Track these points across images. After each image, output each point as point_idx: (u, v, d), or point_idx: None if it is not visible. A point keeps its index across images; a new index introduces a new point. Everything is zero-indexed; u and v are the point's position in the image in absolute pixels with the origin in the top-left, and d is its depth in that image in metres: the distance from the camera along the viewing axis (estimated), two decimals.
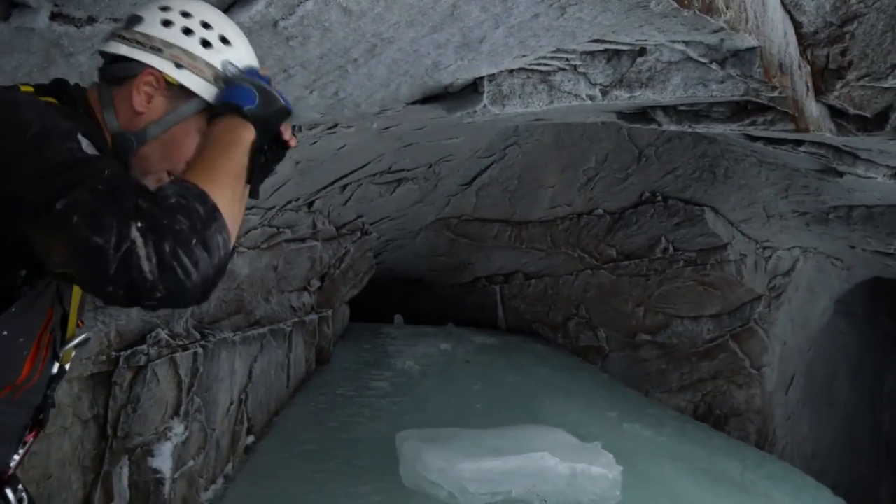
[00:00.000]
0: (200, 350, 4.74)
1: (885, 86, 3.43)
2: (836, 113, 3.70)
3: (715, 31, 2.96)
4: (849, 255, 7.37)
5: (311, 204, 6.08)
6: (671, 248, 7.61)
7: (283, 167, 4.91)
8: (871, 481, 9.70)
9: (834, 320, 8.64)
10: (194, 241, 1.24)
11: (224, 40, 1.66)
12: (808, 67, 3.50)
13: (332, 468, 5.09)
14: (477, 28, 2.58)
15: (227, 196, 1.35)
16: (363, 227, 7.04)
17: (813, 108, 3.52)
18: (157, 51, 1.58)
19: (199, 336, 4.82)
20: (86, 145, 1.32)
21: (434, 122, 4.49)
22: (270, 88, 1.58)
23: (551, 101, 3.32)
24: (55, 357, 1.63)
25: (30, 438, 1.65)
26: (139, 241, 1.19)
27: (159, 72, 1.58)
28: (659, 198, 7.41)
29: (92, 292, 1.27)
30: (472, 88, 3.34)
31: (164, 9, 1.65)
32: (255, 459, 5.24)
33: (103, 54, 1.65)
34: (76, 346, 1.73)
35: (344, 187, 6.30)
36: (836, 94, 3.48)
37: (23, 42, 2.08)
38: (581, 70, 3.28)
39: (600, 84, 3.31)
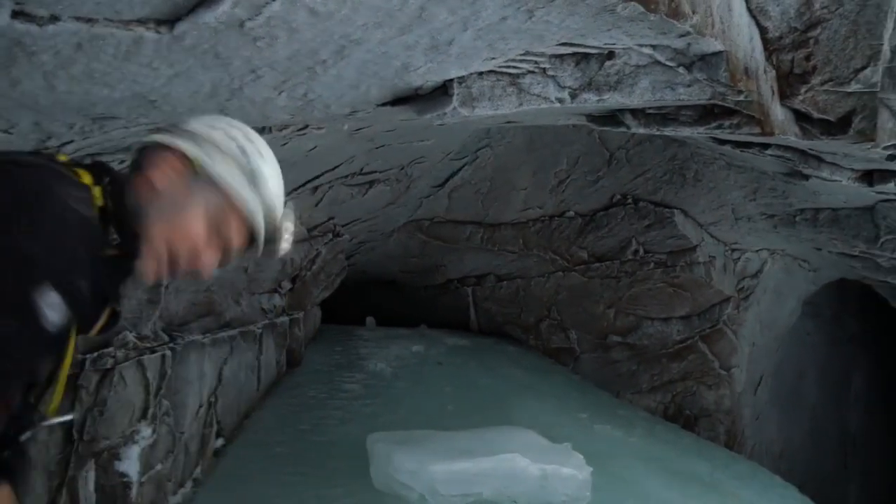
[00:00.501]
0: (169, 352, 4.70)
1: (848, 90, 3.49)
2: (800, 117, 3.76)
3: (682, 36, 2.99)
4: (815, 256, 7.47)
5: None
6: (642, 250, 7.67)
7: None
8: (839, 481, 9.84)
9: (801, 321, 8.76)
10: None
11: (261, 154, 1.71)
12: (774, 72, 3.55)
13: (304, 471, 5.06)
14: (445, 30, 2.59)
15: None
16: (335, 228, 7.02)
17: (778, 112, 3.57)
18: (196, 142, 1.65)
19: (167, 338, 4.77)
20: (49, 300, 1.35)
21: (406, 123, 4.49)
22: None
23: (520, 104, 3.34)
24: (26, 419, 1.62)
25: None
26: None
27: (188, 157, 1.64)
28: (630, 200, 7.47)
29: None
30: (442, 91, 3.35)
31: (213, 117, 1.76)
32: (225, 463, 5.20)
33: (142, 145, 1.71)
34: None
35: (315, 189, 6.28)
36: (800, 98, 3.54)
37: None
38: (550, 73, 3.30)
39: (569, 87, 3.34)
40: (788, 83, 3.51)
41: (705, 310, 7.70)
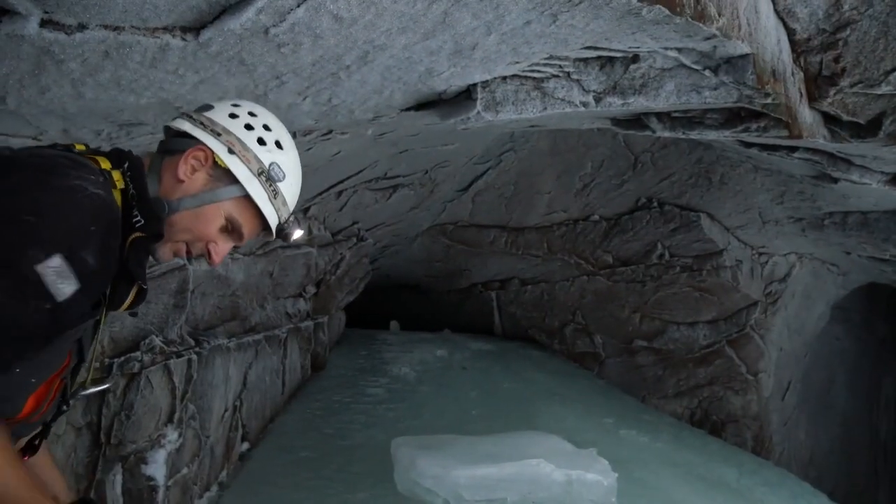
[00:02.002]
0: (195, 357, 4.73)
1: (879, 92, 3.44)
2: (829, 119, 3.71)
3: (707, 39, 2.96)
4: (845, 260, 7.37)
5: (306, 210, 6.08)
6: (667, 254, 7.61)
7: None
8: (869, 487, 9.69)
9: (830, 326, 8.63)
10: None
11: (278, 144, 1.81)
12: (802, 74, 3.51)
13: (328, 475, 5.07)
14: (469, 35, 2.58)
15: None
16: (359, 233, 7.04)
17: (806, 115, 3.53)
18: (216, 134, 1.74)
19: (193, 343, 4.81)
20: (53, 265, 1.40)
21: (429, 128, 4.49)
22: None
23: (545, 108, 3.32)
24: (63, 401, 1.70)
25: (25, 459, 1.70)
26: None
27: (211, 151, 1.72)
28: (655, 204, 7.41)
29: None
30: (466, 95, 3.34)
31: (235, 105, 1.82)
32: (250, 466, 5.22)
33: (167, 129, 1.82)
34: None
35: (339, 193, 6.30)
36: (829, 100, 3.49)
37: (13, 49, 2.08)
38: (574, 77, 3.28)
39: (594, 91, 3.32)
40: (817, 85, 3.47)
41: (732, 314, 7.62)
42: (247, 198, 1.76)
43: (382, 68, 2.83)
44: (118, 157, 1.71)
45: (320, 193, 5.94)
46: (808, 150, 4.37)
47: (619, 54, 3.21)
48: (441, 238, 8.02)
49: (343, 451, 5.39)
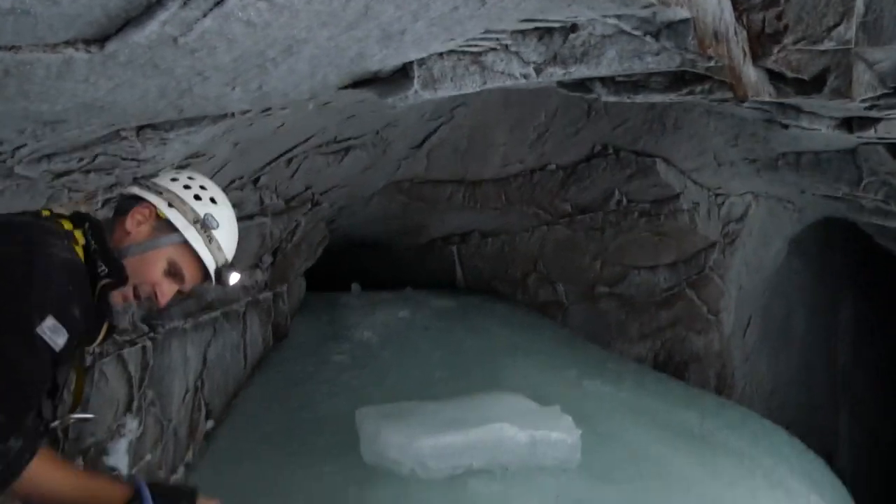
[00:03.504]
0: (149, 343, 4.66)
1: (822, 48, 3.38)
2: (774, 76, 3.65)
3: (645, 7, 2.88)
4: (800, 198, 7.41)
5: (256, 181, 5.93)
6: (625, 200, 7.60)
7: (222, 148, 4.78)
8: (830, 411, 9.97)
9: (788, 260, 8.74)
10: None
11: (213, 200, 2.17)
12: (745, 32, 3.44)
13: (294, 449, 5.08)
14: (395, 23, 2.48)
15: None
16: (313, 197, 6.91)
17: (751, 74, 3.47)
18: (158, 192, 2.09)
19: (146, 329, 4.73)
20: (48, 326, 1.72)
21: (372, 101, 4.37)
22: None
23: (484, 82, 3.23)
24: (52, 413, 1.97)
25: None
26: None
27: (154, 206, 2.06)
28: (610, 150, 7.37)
29: None
30: (403, 73, 3.24)
31: (177, 171, 2.26)
32: (216, 445, 5.22)
33: (120, 195, 2.22)
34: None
35: (290, 160, 6.15)
36: (773, 58, 3.43)
37: None
38: (513, 49, 3.18)
39: (534, 62, 3.23)
40: (760, 43, 3.40)
41: (691, 256, 7.67)
42: (185, 244, 2.06)
43: (309, 57, 2.71)
44: (79, 218, 2.02)
45: (269, 163, 5.79)
46: (756, 100, 4.33)
47: (557, 24, 3.11)
48: (398, 196, 7.91)
49: (308, 423, 5.40)
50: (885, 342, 10.49)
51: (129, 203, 2.10)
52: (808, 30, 3.31)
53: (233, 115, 4.11)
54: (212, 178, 5.19)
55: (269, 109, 4.20)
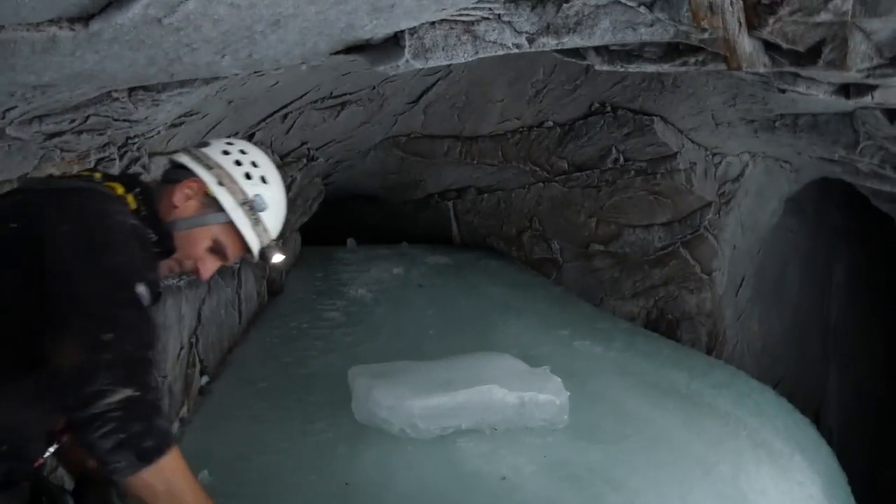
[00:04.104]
0: None
1: (817, 20, 3.34)
2: (769, 46, 3.62)
3: None
4: (797, 159, 7.39)
5: (251, 137, 5.90)
6: (622, 159, 7.58)
7: (216, 107, 4.76)
8: (820, 369, 10.08)
9: (784, 219, 8.74)
10: (134, 444, 1.62)
11: (263, 179, 2.12)
12: (741, 3, 3.39)
13: (287, 405, 5.15)
14: None
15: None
16: (309, 153, 6.89)
17: (746, 44, 3.43)
18: (208, 167, 2.06)
19: None
20: (141, 291, 1.77)
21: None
22: None
23: (476, 52, 3.21)
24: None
25: (64, 438, 1.95)
26: (116, 416, 1.58)
27: (203, 182, 2.04)
28: (608, 108, 7.32)
29: (60, 392, 1.63)
30: (394, 41, 3.21)
31: (229, 143, 2.17)
32: (211, 400, 5.28)
33: (170, 161, 2.17)
34: None
35: (285, 116, 6.12)
36: (768, 29, 3.39)
37: None
38: (506, 19, 3.15)
39: (526, 32, 3.19)
40: (756, 14, 3.35)
41: (686, 216, 7.67)
42: (231, 224, 2.05)
43: (299, 29, 2.69)
44: (130, 182, 2.02)
45: (264, 119, 5.76)
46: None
47: None
48: (394, 150, 7.88)
49: (301, 379, 5.46)
50: (877, 301, 10.56)
51: (177, 173, 2.09)
52: (805, 1, 3.26)
53: (225, 77, 4.09)
54: (206, 135, 5.22)
55: (260, 72, 4.18)
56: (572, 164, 7.83)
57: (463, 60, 3.22)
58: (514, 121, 7.70)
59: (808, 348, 9.74)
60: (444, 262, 7.68)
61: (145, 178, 2.26)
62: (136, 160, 4.29)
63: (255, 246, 2.11)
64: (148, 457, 1.64)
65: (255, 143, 6.02)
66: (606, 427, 5.00)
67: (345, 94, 6.42)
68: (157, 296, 1.89)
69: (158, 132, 4.25)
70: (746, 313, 8.53)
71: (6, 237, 1.77)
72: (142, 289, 1.77)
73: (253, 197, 2.07)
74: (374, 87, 6.64)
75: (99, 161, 4.10)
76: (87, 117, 3.61)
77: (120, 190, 1.97)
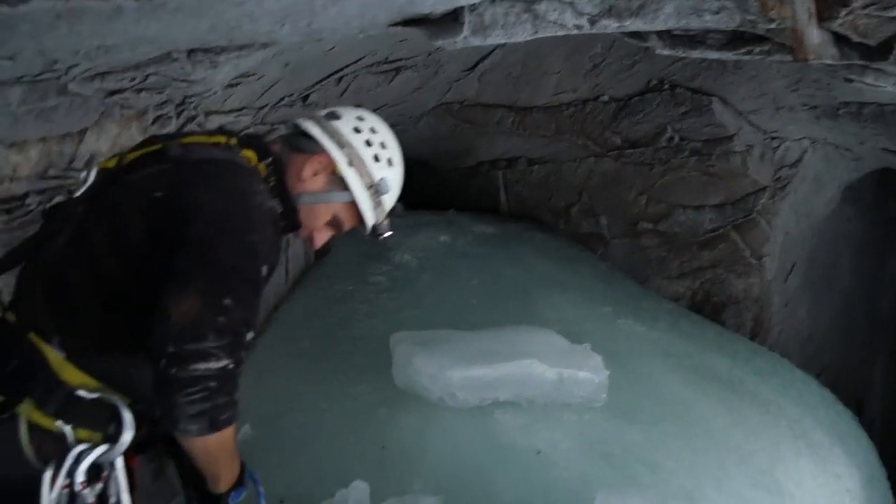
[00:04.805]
0: None
1: (892, 15, 3.23)
2: (839, 38, 3.51)
3: None
4: (859, 148, 7.18)
5: (305, 98, 5.94)
6: (677, 138, 7.45)
7: (272, 69, 4.81)
8: (866, 360, 9.89)
9: (841, 207, 8.53)
10: (215, 415, 1.74)
11: (390, 161, 2.18)
12: None
13: (330, 367, 5.24)
14: None
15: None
16: None
17: (814, 36, 3.33)
18: (340, 145, 2.09)
19: None
20: (263, 272, 1.88)
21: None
22: None
23: (535, 31, 3.18)
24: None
25: None
26: (215, 373, 1.71)
27: (333, 160, 2.08)
28: (666, 86, 7.18)
29: (162, 340, 1.69)
30: (454, 17, 3.20)
31: (360, 119, 2.19)
32: (255, 356, 5.39)
33: (295, 126, 2.18)
34: None
35: (339, 80, 6.14)
36: (839, 21, 3.28)
37: None
38: None
39: (588, 13, 3.15)
40: (827, 5, 3.26)
41: (739, 199, 7.53)
42: (354, 203, 2.12)
43: (359, 2, 2.70)
44: (263, 151, 2.07)
45: (319, 82, 5.79)
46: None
47: None
48: (447, 117, 7.86)
49: (345, 341, 5.54)
50: None
51: (305, 143, 2.13)
52: None
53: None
54: (262, 95, 5.27)
55: (320, 39, 4.20)
56: (626, 140, 7.73)
57: (522, 39, 3.19)
58: (569, 93, 7.61)
59: (854, 339, 9.55)
60: (491, 232, 7.67)
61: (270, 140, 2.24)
62: (192, 118, 4.37)
63: (371, 224, 2.18)
64: (219, 427, 1.76)
65: (309, 105, 6.08)
66: (645, 408, 5.00)
67: (400, 60, 6.41)
68: (270, 276, 2.00)
69: (215, 92, 4.31)
70: (794, 300, 8.39)
71: (152, 205, 1.86)
72: (264, 270, 1.88)
73: (379, 181, 2.12)
74: (429, 54, 6.61)
75: (157, 118, 4.18)
76: (147, 76, 3.68)
77: (253, 159, 2.04)
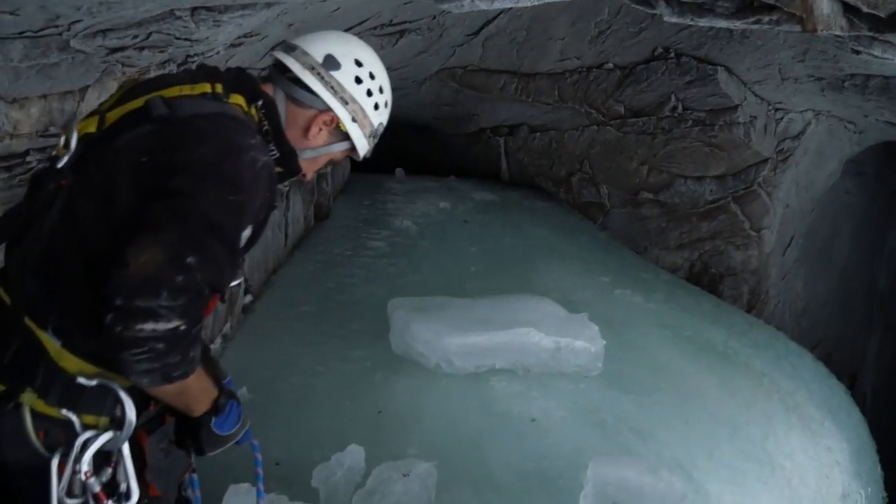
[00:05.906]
0: None
1: None
2: (848, 8, 3.47)
3: None
4: (862, 121, 7.15)
5: None
6: (680, 107, 7.40)
7: (276, 29, 4.76)
8: (861, 334, 9.94)
9: (842, 180, 8.51)
10: (166, 372, 1.66)
11: (385, 104, 2.20)
12: None
13: (327, 331, 5.26)
14: None
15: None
16: None
17: (824, 6, 3.29)
18: (344, 102, 2.05)
19: None
20: (245, 235, 1.85)
21: None
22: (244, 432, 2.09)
23: None
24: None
25: None
26: (169, 329, 1.60)
27: (337, 117, 2.06)
28: (672, 54, 7.11)
29: (113, 290, 1.59)
30: None
31: (359, 64, 2.11)
32: (253, 319, 5.41)
33: (297, 80, 2.05)
34: None
35: None
36: None
37: None
38: None
39: None
40: None
41: (741, 171, 7.51)
42: (354, 149, 2.17)
43: None
44: (252, 94, 2.01)
45: None
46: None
47: None
48: (450, 82, 7.80)
49: (343, 306, 5.55)
50: None
51: (305, 96, 2.05)
52: None
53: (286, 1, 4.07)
54: (264, 56, 5.23)
55: None
56: (629, 108, 7.68)
57: (529, 4, 3.15)
58: (573, 60, 7.54)
59: (851, 313, 9.59)
60: (491, 200, 7.66)
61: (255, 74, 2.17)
62: None
63: (363, 154, 2.22)
64: (172, 381, 1.69)
65: None
66: (639, 378, 5.03)
67: (404, 23, 6.34)
68: (261, 227, 1.96)
69: (218, 52, 4.27)
70: (791, 273, 8.41)
71: (139, 172, 1.77)
72: (247, 233, 1.84)
73: (377, 126, 2.17)
74: (434, 17, 6.54)
75: None
76: (150, 34, 3.65)
77: (244, 105, 1.98)
